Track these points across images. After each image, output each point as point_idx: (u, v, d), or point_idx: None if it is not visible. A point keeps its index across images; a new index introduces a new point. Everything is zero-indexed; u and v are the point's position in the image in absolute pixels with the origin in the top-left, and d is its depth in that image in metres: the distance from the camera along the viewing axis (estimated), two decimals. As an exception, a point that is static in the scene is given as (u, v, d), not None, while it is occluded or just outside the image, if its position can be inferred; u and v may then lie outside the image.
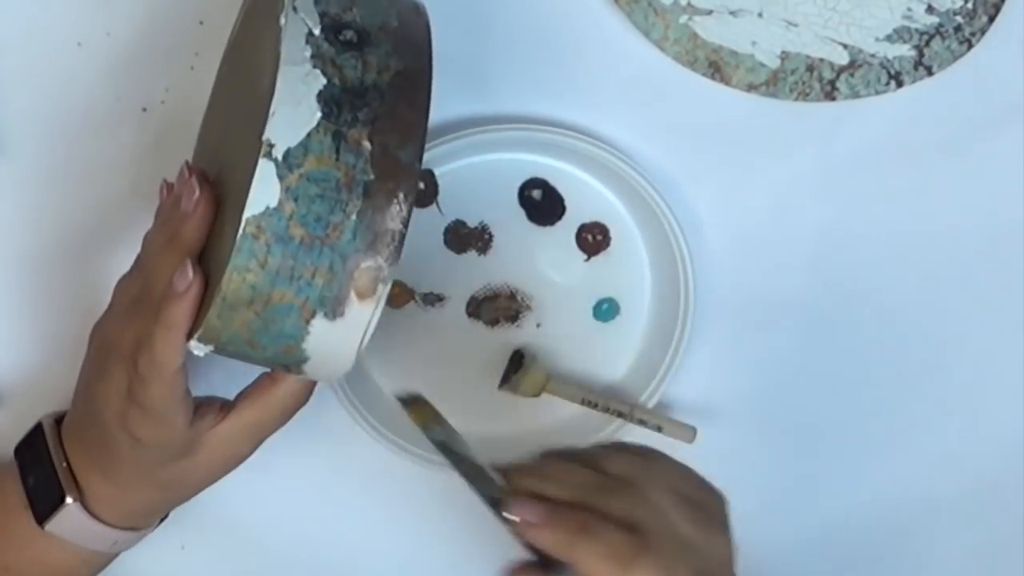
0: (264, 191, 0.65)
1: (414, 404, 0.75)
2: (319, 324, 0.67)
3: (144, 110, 0.85)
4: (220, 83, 0.80)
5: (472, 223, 0.88)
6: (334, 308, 0.67)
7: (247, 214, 0.65)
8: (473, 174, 0.86)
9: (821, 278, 0.91)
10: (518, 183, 0.88)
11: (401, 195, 0.67)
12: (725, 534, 0.71)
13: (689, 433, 0.89)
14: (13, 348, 0.87)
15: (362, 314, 0.67)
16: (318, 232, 0.66)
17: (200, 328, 0.68)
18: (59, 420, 0.80)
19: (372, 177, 0.66)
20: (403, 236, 0.67)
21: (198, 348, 0.69)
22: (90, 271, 0.85)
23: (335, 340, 0.68)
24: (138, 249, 0.75)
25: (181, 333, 0.69)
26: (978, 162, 0.90)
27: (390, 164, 0.66)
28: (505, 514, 0.69)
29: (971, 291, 0.92)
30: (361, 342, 0.69)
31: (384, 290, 0.67)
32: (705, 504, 0.71)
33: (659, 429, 0.88)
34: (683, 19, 0.85)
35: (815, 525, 0.94)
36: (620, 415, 0.88)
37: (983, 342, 0.93)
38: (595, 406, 0.88)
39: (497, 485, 0.71)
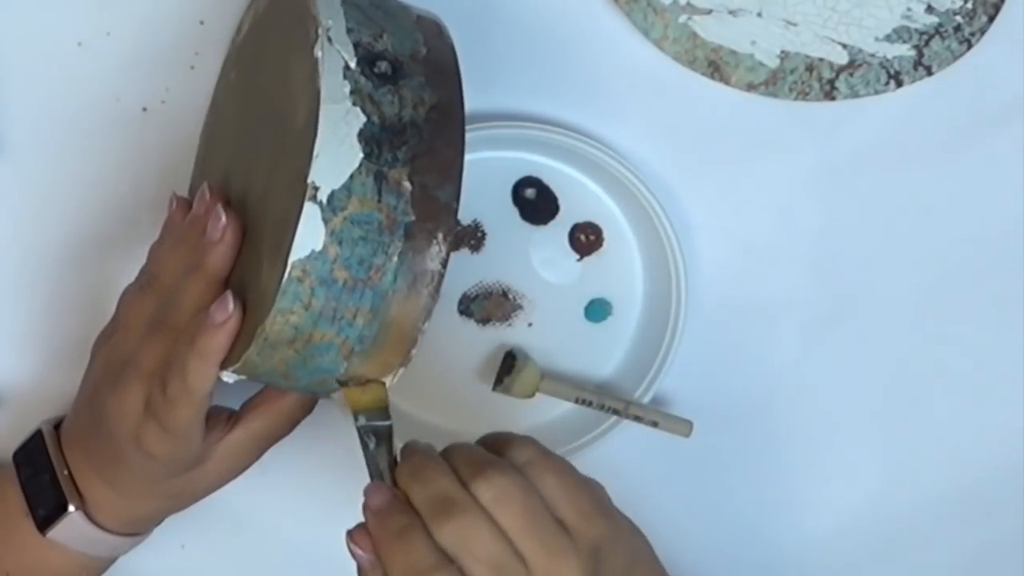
0: (309, 235, 0.65)
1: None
2: (356, 360, 0.68)
3: (144, 110, 0.85)
4: (229, 90, 0.80)
5: (465, 221, 0.88)
6: (371, 345, 0.68)
7: (293, 258, 0.65)
8: (467, 171, 0.85)
9: (819, 277, 0.91)
10: (512, 181, 0.88)
11: (440, 235, 0.67)
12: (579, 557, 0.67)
13: (686, 427, 0.89)
14: (12, 349, 0.87)
15: None
16: (361, 275, 0.66)
17: (239, 362, 0.68)
18: (57, 425, 0.80)
19: (412, 218, 0.67)
20: (442, 276, 0.67)
21: (230, 377, 0.70)
22: (90, 271, 0.86)
23: (368, 373, 0.69)
24: (139, 251, 0.76)
25: (216, 362, 0.69)
26: (978, 162, 0.89)
27: (429, 204, 0.67)
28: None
29: (971, 291, 0.92)
30: (393, 377, 0.70)
31: (423, 328, 0.68)
32: (556, 532, 0.68)
33: (655, 424, 0.89)
34: (682, 18, 0.85)
35: (813, 525, 0.94)
36: (615, 412, 0.88)
37: (983, 342, 0.92)
38: (590, 404, 0.88)
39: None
